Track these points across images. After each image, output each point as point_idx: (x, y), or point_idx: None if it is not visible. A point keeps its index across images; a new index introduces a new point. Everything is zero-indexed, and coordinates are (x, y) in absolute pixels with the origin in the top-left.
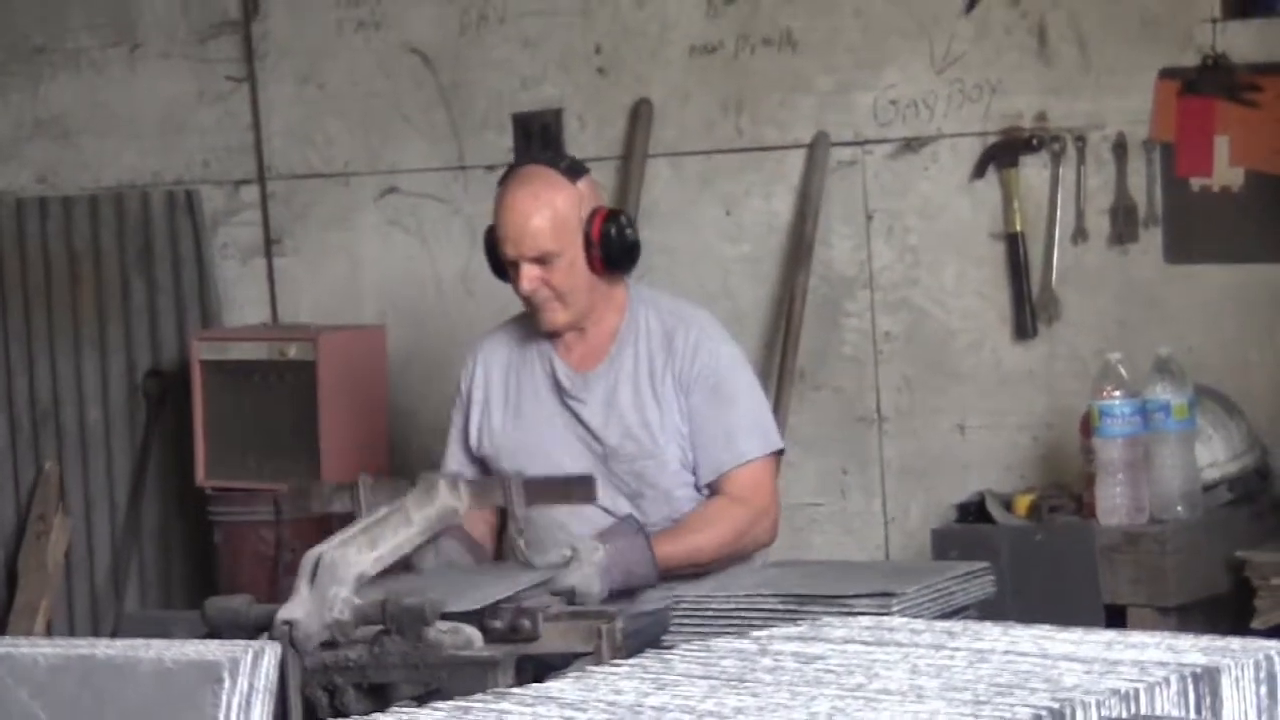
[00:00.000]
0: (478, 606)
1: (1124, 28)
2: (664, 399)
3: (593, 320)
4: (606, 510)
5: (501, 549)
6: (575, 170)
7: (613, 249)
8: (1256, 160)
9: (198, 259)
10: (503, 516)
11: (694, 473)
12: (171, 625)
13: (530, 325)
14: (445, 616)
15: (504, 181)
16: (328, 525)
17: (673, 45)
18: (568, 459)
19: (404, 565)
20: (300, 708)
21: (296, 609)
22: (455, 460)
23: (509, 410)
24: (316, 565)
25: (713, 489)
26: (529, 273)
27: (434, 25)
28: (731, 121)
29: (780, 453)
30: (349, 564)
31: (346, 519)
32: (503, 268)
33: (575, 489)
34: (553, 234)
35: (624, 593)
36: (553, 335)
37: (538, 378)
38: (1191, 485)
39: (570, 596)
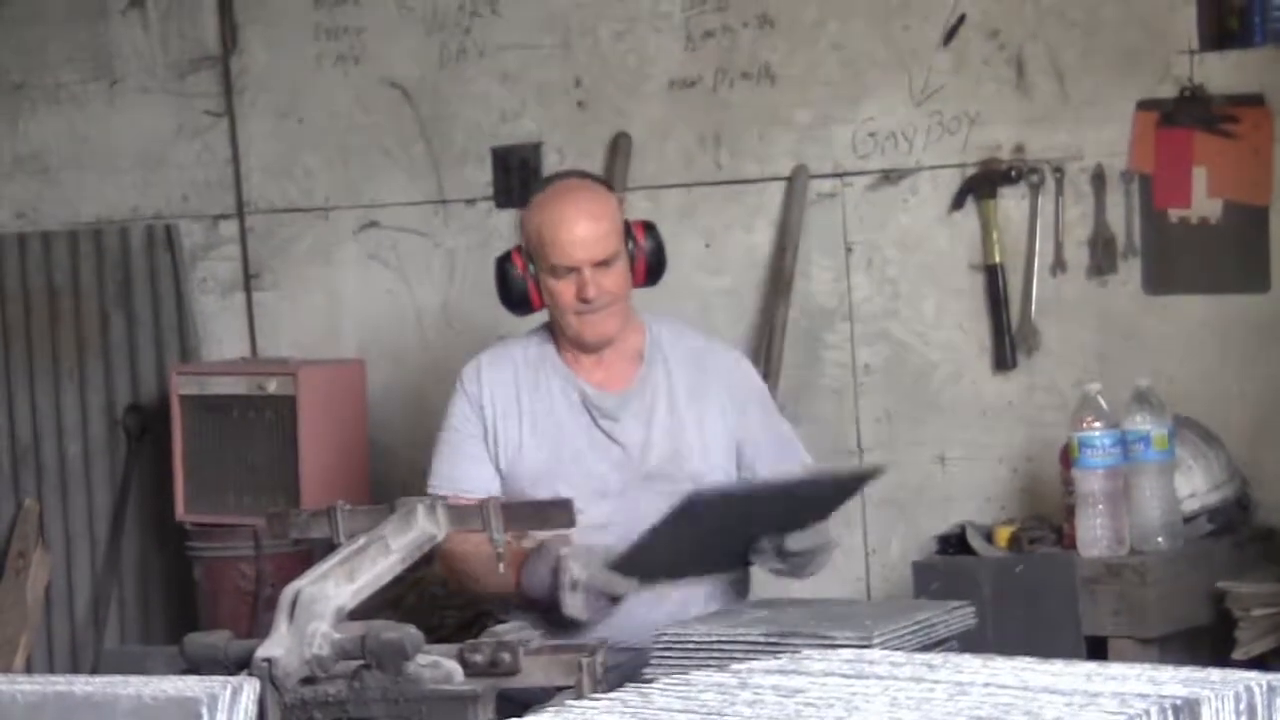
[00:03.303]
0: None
1: (1102, 59)
2: (706, 418)
3: (619, 337)
4: None
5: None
6: (608, 183)
7: (657, 257)
8: (1234, 191)
9: (177, 294)
10: None
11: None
12: (151, 661)
13: (529, 347)
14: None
15: (543, 196)
16: (307, 559)
17: (652, 79)
18: (614, 476)
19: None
20: None
21: (275, 647)
22: (479, 479)
23: (524, 430)
24: (295, 601)
25: None
26: (594, 278)
27: (413, 59)
28: (711, 155)
29: None
30: (327, 598)
31: (326, 549)
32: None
33: (553, 514)
34: (614, 237)
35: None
36: (575, 355)
37: (554, 397)
38: (1172, 516)
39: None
